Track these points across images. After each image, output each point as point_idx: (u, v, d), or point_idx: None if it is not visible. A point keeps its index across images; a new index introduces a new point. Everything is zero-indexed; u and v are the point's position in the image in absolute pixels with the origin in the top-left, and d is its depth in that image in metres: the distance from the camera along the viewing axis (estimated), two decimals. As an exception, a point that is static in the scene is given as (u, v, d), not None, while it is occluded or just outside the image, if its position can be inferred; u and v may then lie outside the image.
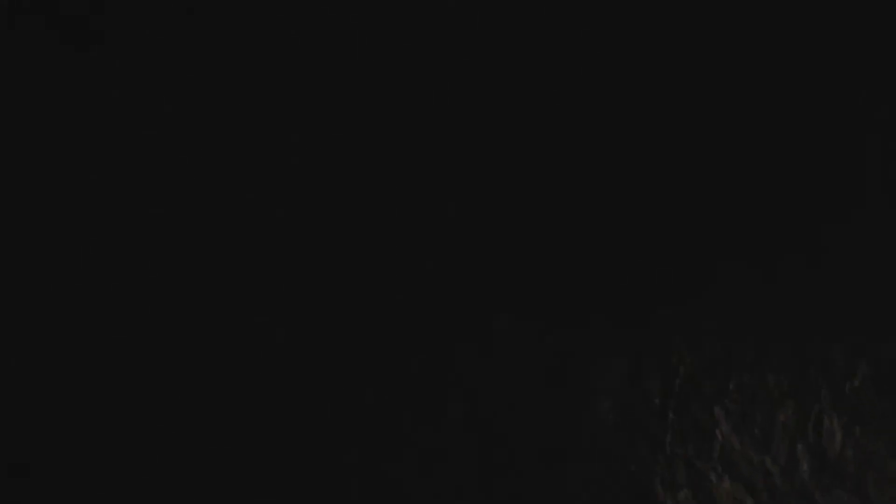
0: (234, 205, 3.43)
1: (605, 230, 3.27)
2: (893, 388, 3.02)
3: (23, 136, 3.47)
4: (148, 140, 3.44)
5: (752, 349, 3.16)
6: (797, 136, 3.12)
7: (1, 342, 3.48)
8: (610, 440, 3.27)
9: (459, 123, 3.35)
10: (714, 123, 3.20)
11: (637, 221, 3.24)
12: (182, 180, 3.44)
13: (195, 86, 3.44)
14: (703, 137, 3.20)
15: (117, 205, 3.46)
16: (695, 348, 3.21)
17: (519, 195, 3.31)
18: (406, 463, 3.31)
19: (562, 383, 3.31)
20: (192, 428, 3.43)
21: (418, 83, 3.38)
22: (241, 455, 3.41)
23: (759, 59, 3.16)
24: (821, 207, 3.09)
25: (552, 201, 3.29)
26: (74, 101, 3.46)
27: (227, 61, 3.43)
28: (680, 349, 3.22)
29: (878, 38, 3.04)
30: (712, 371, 3.20)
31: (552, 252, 3.29)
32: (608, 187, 3.26)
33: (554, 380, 3.32)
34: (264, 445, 3.39)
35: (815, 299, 3.10)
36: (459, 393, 3.34)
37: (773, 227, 3.13)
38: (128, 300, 3.45)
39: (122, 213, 3.46)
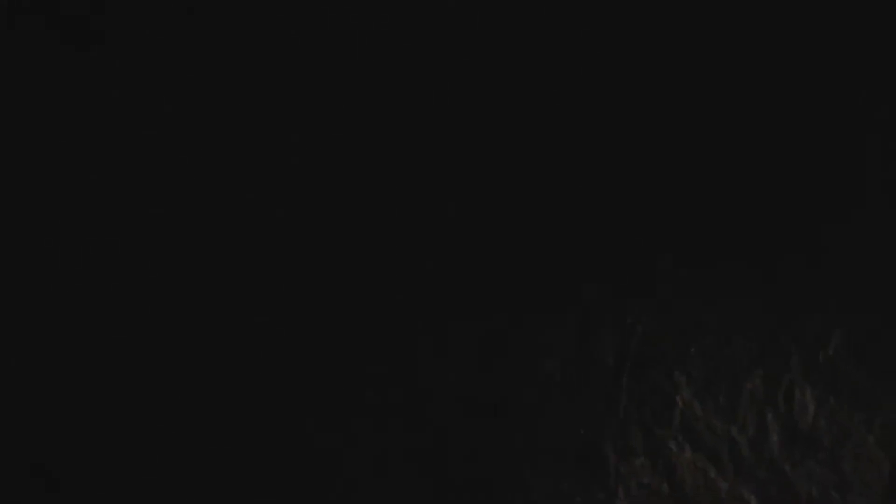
0: (234, 205, 3.43)
1: (584, 203, 3.19)
2: (870, 359, 2.94)
3: (23, 136, 3.47)
4: (148, 140, 3.44)
5: (718, 312, 3.07)
6: (797, 136, 3.12)
7: (0, 342, 3.48)
8: (556, 402, 3.16)
9: (459, 123, 3.35)
10: (713, 122, 3.20)
11: (620, 195, 3.18)
12: (182, 180, 3.44)
13: (195, 86, 3.44)
14: (702, 135, 3.20)
15: (117, 205, 3.46)
16: (654, 308, 3.12)
17: (516, 190, 3.30)
18: (394, 465, 3.31)
19: (505, 343, 3.20)
20: (192, 427, 3.43)
21: (418, 83, 3.38)
22: (240, 455, 3.40)
23: (758, 58, 3.16)
24: (821, 207, 3.09)
25: (546, 187, 3.27)
26: (74, 101, 3.46)
27: (227, 61, 3.42)
28: (637, 308, 3.13)
29: (878, 38, 3.04)
30: (673, 333, 3.09)
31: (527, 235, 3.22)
32: (599, 175, 3.22)
33: (497, 342, 3.20)
34: (264, 445, 3.39)
35: (791, 270, 3.04)
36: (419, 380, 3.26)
37: (773, 227, 3.13)
38: (128, 300, 3.45)
39: (122, 213, 3.45)
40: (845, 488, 2.91)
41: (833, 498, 2.91)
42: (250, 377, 3.41)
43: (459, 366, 3.23)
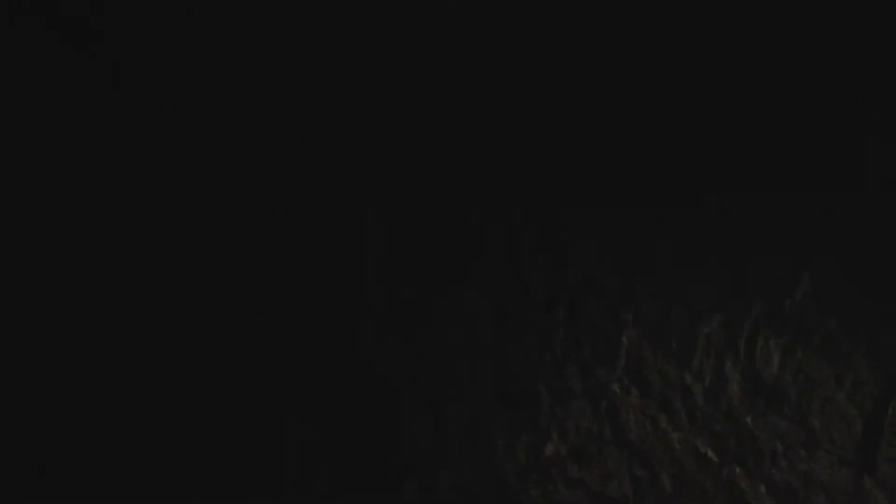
0: (234, 205, 3.43)
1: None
2: (841, 308, 2.70)
3: (22, 136, 3.47)
4: (148, 140, 3.44)
5: (671, 249, 2.78)
6: (797, 136, 3.12)
7: (0, 342, 3.48)
8: (481, 335, 2.87)
9: (459, 123, 3.35)
10: (713, 120, 3.20)
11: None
12: (182, 180, 3.44)
13: (195, 86, 3.44)
14: (701, 133, 3.20)
15: (117, 205, 3.46)
16: (595, 240, 2.80)
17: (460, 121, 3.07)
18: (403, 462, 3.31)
19: (428, 273, 2.93)
20: (192, 427, 3.43)
21: (418, 83, 3.38)
22: (240, 455, 3.40)
23: (758, 59, 3.16)
24: (820, 207, 3.09)
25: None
26: (74, 101, 3.46)
27: (227, 61, 3.42)
28: (575, 239, 2.81)
29: (878, 38, 3.04)
30: (618, 268, 2.78)
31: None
32: (547, 106, 2.94)
33: (420, 273, 2.95)
34: (264, 445, 3.39)
35: (755, 205, 2.74)
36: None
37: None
38: (128, 300, 3.45)
39: (122, 213, 3.46)
40: (813, 446, 2.68)
41: (800, 455, 2.68)
42: (249, 376, 3.41)
43: (381, 294, 3.01)
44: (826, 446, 2.67)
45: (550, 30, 3.29)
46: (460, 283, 3.00)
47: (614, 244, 2.85)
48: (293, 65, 3.41)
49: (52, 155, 3.47)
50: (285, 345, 3.40)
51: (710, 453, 2.77)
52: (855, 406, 2.64)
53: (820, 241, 2.75)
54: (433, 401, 2.99)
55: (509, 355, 2.89)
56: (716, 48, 3.16)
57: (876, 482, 2.62)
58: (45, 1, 3.40)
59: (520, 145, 3.06)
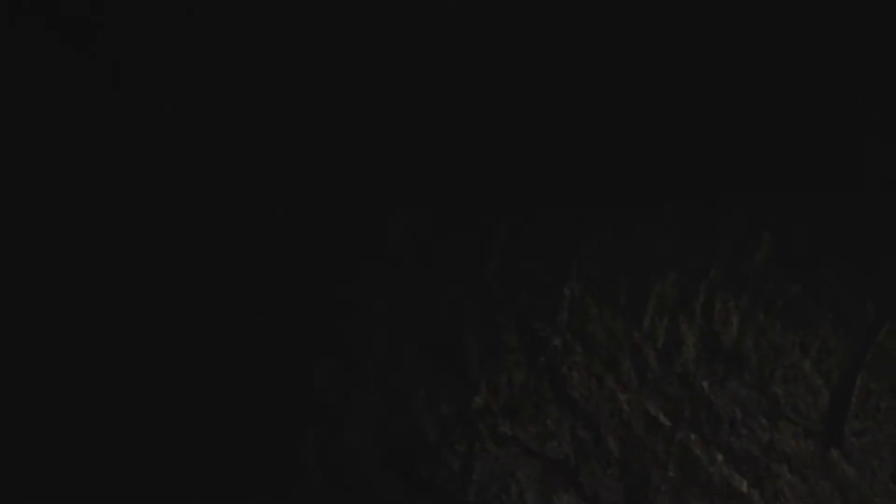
0: (234, 205, 3.43)
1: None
2: (806, 271, 2.49)
3: (23, 136, 3.47)
4: (148, 140, 3.44)
5: (620, 200, 2.51)
6: (797, 136, 3.12)
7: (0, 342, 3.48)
8: (400, 280, 2.61)
9: (459, 123, 3.35)
10: (711, 120, 3.20)
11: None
12: (182, 180, 3.44)
13: (195, 86, 3.44)
14: (699, 131, 3.20)
15: (117, 205, 3.46)
16: (523, 195, 2.53)
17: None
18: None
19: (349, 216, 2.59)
20: (192, 428, 3.43)
21: (418, 83, 3.38)
22: (239, 455, 3.41)
23: (758, 59, 3.16)
24: (820, 206, 3.08)
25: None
26: (74, 101, 3.46)
27: (227, 61, 3.43)
28: (499, 193, 2.54)
29: (878, 38, 3.04)
30: (554, 227, 2.53)
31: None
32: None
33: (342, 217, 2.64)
34: (263, 445, 3.39)
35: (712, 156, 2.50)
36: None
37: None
38: (128, 300, 3.45)
39: (122, 213, 3.46)
40: (776, 415, 2.47)
41: (761, 424, 2.48)
42: (248, 376, 3.41)
43: (294, 224, 2.75)
44: (790, 416, 2.47)
45: (548, 29, 3.29)
46: (381, 216, 2.73)
47: (558, 192, 2.60)
48: (293, 65, 3.41)
49: (52, 155, 3.47)
50: (283, 343, 3.40)
51: (662, 417, 2.54)
52: (821, 376, 2.44)
53: (784, 201, 2.56)
54: (344, 341, 2.76)
55: (433, 297, 2.65)
56: (714, 48, 3.16)
57: (843, 455, 2.44)
58: (45, 1, 3.40)
59: (487, 120, 2.93)
